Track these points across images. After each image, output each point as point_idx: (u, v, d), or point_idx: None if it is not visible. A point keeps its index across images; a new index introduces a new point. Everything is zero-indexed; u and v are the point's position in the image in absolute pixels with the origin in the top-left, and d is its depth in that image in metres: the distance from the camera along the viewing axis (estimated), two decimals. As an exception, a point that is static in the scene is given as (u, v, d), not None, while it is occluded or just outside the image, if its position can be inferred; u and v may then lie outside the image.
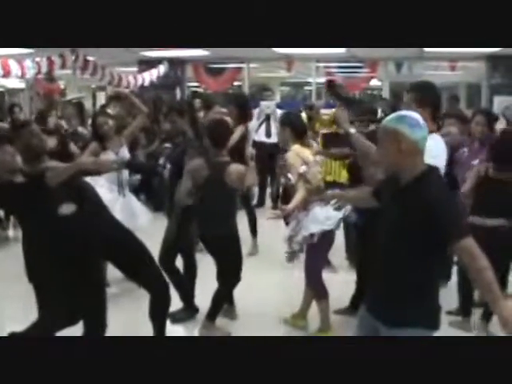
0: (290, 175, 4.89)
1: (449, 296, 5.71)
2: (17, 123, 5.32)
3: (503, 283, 4.82)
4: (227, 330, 5.08)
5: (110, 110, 7.65)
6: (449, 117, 5.83)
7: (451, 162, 5.89)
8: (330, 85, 3.78)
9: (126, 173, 6.12)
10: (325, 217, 4.86)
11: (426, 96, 3.64)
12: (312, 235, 4.89)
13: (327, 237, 4.95)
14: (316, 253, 4.99)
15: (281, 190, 5.57)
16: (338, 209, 4.13)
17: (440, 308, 2.88)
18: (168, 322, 4.61)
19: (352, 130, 3.57)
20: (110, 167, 4.74)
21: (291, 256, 5.10)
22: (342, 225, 5.19)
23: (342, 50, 11.37)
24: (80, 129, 7.36)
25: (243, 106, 7.24)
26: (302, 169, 4.72)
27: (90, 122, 6.77)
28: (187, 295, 5.47)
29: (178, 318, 5.33)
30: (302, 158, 4.81)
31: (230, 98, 8.81)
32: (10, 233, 8.31)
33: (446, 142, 5.96)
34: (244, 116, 7.18)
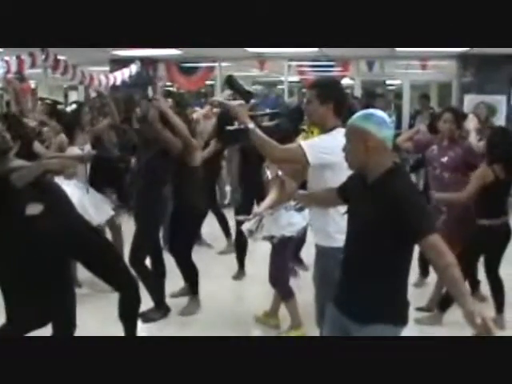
0: (268, 172, 4.90)
1: (421, 292, 5.81)
2: None
3: None
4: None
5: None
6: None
7: (421, 159, 5.97)
8: (229, 79, 3.74)
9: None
10: (288, 222, 4.90)
11: (329, 92, 3.63)
12: (272, 237, 4.92)
13: (288, 242, 4.97)
14: (279, 256, 5.02)
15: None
16: (299, 210, 4.14)
17: (408, 304, 2.89)
18: (139, 322, 4.59)
19: (251, 125, 3.55)
20: (74, 166, 4.72)
21: (250, 233, 5.11)
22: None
23: (314, 49, 11.39)
24: (46, 129, 7.27)
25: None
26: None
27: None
28: (157, 295, 5.46)
29: (149, 318, 5.32)
30: None
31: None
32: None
33: (415, 139, 6.09)
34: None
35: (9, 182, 3.76)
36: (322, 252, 3.72)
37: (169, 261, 5.63)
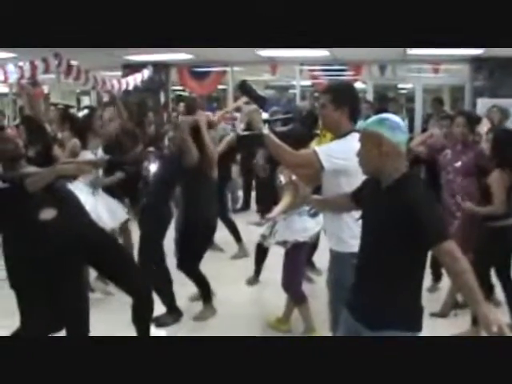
0: (281, 177, 4.90)
1: (434, 297, 5.78)
2: None
3: None
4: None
5: (104, 114, 7.63)
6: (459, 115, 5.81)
7: (434, 163, 5.95)
8: (242, 84, 3.72)
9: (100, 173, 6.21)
10: (301, 227, 4.89)
11: (343, 97, 3.61)
12: (285, 242, 4.92)
13: (301, 247, 4.96)
14: (292, 261, 5.01)
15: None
16: (313, 215, 4.12)
17: (422, 310, 2.88)
18: (152, 327, 4.60)
19: (265, 131, 3.53)
20: (88, 171, 4.74)
21: (263, 238, 5.10)
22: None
23: (326, 53, 11.38)
24: (60, 134, 7.31)
25: None
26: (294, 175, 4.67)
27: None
28: (168, 299, 5.46)
29: (162, 323, 5.32)
30: None
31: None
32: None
33: (429, 143, 6.07)
34: None
35: (23, 187, 3.78)
36: (336, 257, 3.70)
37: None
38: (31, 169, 4.06)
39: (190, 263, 5.55)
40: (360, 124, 3.33)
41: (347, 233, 3.50)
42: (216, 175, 5.64)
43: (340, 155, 3.40)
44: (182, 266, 5.54)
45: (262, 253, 6.45)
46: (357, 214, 3.16)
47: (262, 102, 3.69)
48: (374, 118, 2.91)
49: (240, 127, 7.96)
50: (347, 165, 3.30)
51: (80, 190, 5.34)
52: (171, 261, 5.66)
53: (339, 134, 3.57)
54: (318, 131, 5.82)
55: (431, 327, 3.81)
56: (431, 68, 12.88)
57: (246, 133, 3.73)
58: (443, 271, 5.54)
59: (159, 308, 5.21)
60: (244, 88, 3.75)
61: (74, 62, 9.34)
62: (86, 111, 6.94)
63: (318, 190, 4.54)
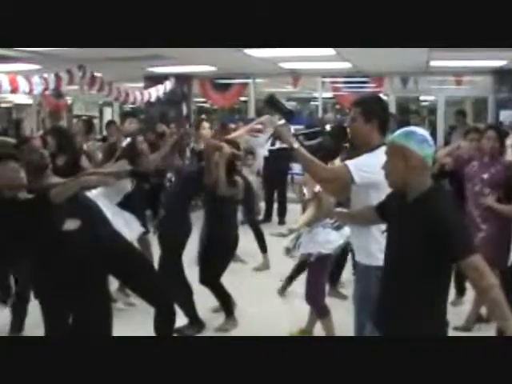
0: (305, 190, 4.89)
1: (458, 311, 5.72)
2: (21, 139, 5.36)
3: None
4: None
5: (126, 125, 7.68)
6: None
7: (461, 175, 5.91)
8: (270, 98, 3.71)
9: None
10: (325, 239, 4.88)
11: (374, 110, 3.58)
12: (309, 255, 4.91)
13: (325, 260, 4.96)
14: (315, 274, 5.00)
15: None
16: (337, 228, 4.11)
17: (447, 324, 2.85)
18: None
19: (296, 145, 3.52)
20: (112, 183, 4.77)
21: (288, 251, 5.10)
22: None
23: (348, 65, 11.37)
24: (85, 146, 7.35)
25: None
26: (318, 188, 4.60)
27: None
28: (189, 311, 5.47)
29: (184, 334, 5.32)
30: None
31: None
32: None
33: (456, 155, 6.04)
34: None
35: (48, 198, 3.80)
36: (363, 270, 3.67)
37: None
38: (56, 179, 4.10)
39: (211, 278, 5.59)
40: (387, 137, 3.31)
41: (375, 246, 3.47)
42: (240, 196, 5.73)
43: (370, 169, 3.36)
44: (203, 280, 5.58)
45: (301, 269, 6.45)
46: (384, 226, 3.14)
47: (289, 116, 3.69)
48: (400, 131, 2.89)
49: (264, 141, 7.96)
50: (377, 178, 3.26)
51: (101, 201, 5.35)
52: (194, 272, 5.68)
53: (369, 148, 3.53)
54: (347, 144, 5.81)
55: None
56: (454, 80, 12.82)
57: (276, 147, 3.72)
58: (467, 285, 5.51)
59: (182, 319, 5.22)
60: (272, 102, 3.74)
61: (97, 74, 9.44)
62: (128, 140, 6.81)
63: (340, 203, 4.54)
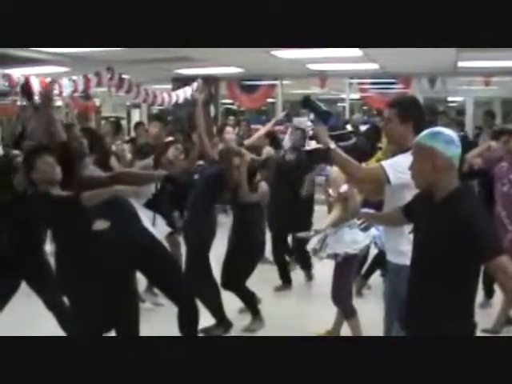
0: (330, 191, 4.90)
1: (486, 313, 5.68)
2: (67, 124, 5.45)
3: None
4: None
5: (150, 129, 7.71)
6: None
7: (490, 175, 5.88)
8: (306, 99, 3.71)
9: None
10: (351, 240, 4.87)
11: (409, 111, 3.58)
12: (336, 255, 4.91)
13: (352, 260, 4.95)
14: (341, 274, 5.00)
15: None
16: (364, 229, 4.10)
17: (475, 326, 2.84)
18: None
19: (332, 145, 3.52)
20: (144, 195, 4.84)
21: (315, 252, 5.11)
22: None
23: (375, 66, 11.34)
24: (113, 146, 7.42)
25: None
26: (343, 188, 4.64)
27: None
28: (216, 311, 5.50)
29: (211, 334, 5.35)
30: None
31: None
32: (47, 247, 8.37)
33: (486, 155, 6.00)
34: None
35: (78, 201, 3.85)
36: (394, 270, 3.66)
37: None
38: (95, 170, 4.26)
39: (233, 283, 5.61)
40: None
41: (407, 246, 3.46)
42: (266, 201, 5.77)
43: (405, 169, 3.36)
44: (224, 285, 5.60)
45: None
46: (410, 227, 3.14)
47: (326, 117, 3.70)
48: (427, 131, 2.89)
49: (288, 145, 7.96)
50: (407, 178, 3.26)
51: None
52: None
53: (404, 148, 3.50)
54: (381, 145, 5.80)
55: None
56: (482, 80, 12.70)
57: (309, 148, 3.71)
58: (496, 287, 5.47)
59: (209, 319, 5.26)
60: (308, 103, 3.76)
61: (125, 76, 9.52)
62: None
63: (366, 203, 4.54)
